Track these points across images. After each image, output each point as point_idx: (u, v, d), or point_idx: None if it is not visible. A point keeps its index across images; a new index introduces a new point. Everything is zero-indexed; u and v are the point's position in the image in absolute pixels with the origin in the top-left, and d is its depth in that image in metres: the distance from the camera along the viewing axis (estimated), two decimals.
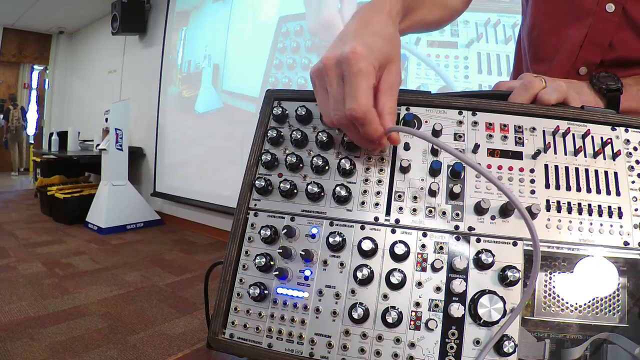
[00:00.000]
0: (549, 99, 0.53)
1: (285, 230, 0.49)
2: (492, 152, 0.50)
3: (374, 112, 0.44)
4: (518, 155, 0.49)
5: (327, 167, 0.51)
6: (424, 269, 0.45)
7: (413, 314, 0.44)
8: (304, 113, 0.54)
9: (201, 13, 4.59)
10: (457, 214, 0.47)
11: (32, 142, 8.92)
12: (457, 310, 0.43)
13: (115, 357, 2.01)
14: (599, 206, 0.46)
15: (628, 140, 0.49)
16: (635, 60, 0.65)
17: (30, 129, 8.98)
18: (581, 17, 0.66)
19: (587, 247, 0.45)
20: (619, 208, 0.46)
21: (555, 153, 0.49)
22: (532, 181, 0.48)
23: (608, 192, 0.47)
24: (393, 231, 0.47)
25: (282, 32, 3.77)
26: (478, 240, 0.46)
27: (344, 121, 0.45)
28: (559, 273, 0.48)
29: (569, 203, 0.46)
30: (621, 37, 0.64)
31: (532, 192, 0.47)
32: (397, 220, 0.48)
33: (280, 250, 0.47)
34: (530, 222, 0.41)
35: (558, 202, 0.47)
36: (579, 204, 0.46)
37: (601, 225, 0.46)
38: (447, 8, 0.75)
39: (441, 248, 0.46)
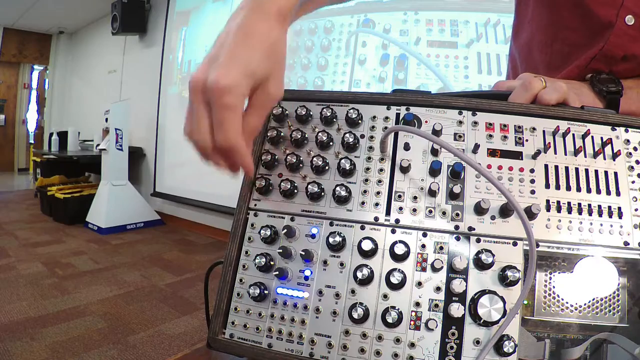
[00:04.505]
0: (549, 99, 0.53)
1: (285, 230, 0.49)
2: (492, 152, 0.50)
3: (243, 144, 0.41)
4: (518, 155, 0.49)
5: (327, 167, 0.51)
6: (424, 269, 0.45)
7: (413, 314, 0.44)
8: (303, 113, 0.54)
9: (201, 13, 4.59)
10: (457, 214, 0.47)
11: (33, 142, 8.92)
12: (457, 310, 0.43)
13: (115, 357, 2.01)
14: (599, 206, 0.46)
15: (628, 140, 0.49)
16: None
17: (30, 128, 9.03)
18: (598, 30, 0.64)
19: (587, 247, 0.45)
20: (619, 208, 0.46)
21: (555, 153, 0.49)
22: (532, 181, 0.48)
23: (608, 192, 0.47)
24: (393, 231, 0.47)
25: None
26: (478, 240, 0.46)
27: (206, 146, 0.41)
28: (559, 273, 0.48)
29: (569, 203, 0.46)
30: (635, 51, 0.62)
31: (532, 192, 0.47)
32: (397, 220, 0.48)
33: (280, 250, 0.47)
34: (527, 221, 0.41)
35: (558, 202, 0.47)
36: (579, 204, 0.46)
37: (601, 225, 0.46)
38: None
39: (441, 248, 0.46)
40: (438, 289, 0.44)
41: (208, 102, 0.40)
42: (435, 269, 0.45)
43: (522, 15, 0.80)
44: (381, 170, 0.50)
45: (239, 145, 0.41)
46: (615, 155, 0.48)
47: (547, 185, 0.48)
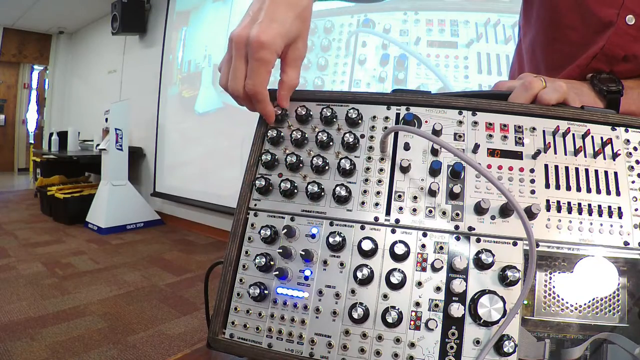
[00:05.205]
0: (549, 99, 0.53)
1: (285, 230, 0.49)
2: (492, 152, 0.50)
3: (266, 93, 0.51)
4: (518, 155, 0.49)
5: (327, 167, 0.51)
6: (424, 269, 0.45)
7: (413, 313, 0.44)
8: (303, 113, 0.54)
9: (201, 13, 4.59)
10: (457, 214, 0.47)
11: (33, 142, 8.92)
12: (457, 310, 0.43)
13: (115, 357, 2.01)
14: (599, 206, 0.46)
15: (628, 140, 0.49)
16: None
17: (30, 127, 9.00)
18: (599, 29, 0.64)
19: (587, 247, 0.45)
20: (619, 208, 0.46)
21: (555, 153, 0.49)
22: (532, 181, 0.48)
23: (608, 192, 0.47)
24: (393, 231, 0.47)
25: None
26: (478, 240, 0.46)
27: (238, 93, 0.51)
28: (559, 273, 0.48)
29: (569, 203, 0.46)
30: (635, 51, 0.62)
31: (532, 192, 0.47)
32: (397, 220, 0.48)
33: (280, 250, 0.47)
34: (527, 221, 0.41)
35: (558, 202, 0.47)
36: (579, 204, 0.46)
37: (601, 225, 0.46)
38: None
39: (441, 248, 0.46)
40: (438, 288, 0.44)
41: (246, 55, 0.49)
42: (435, 269, 0.45)
43: (527, 15, 0.81)
44: (381, 170, 0.50)
45: (262, 94, 0.50)
46: (615, 155, 0.48)
47: (547, 185, 0.48)
